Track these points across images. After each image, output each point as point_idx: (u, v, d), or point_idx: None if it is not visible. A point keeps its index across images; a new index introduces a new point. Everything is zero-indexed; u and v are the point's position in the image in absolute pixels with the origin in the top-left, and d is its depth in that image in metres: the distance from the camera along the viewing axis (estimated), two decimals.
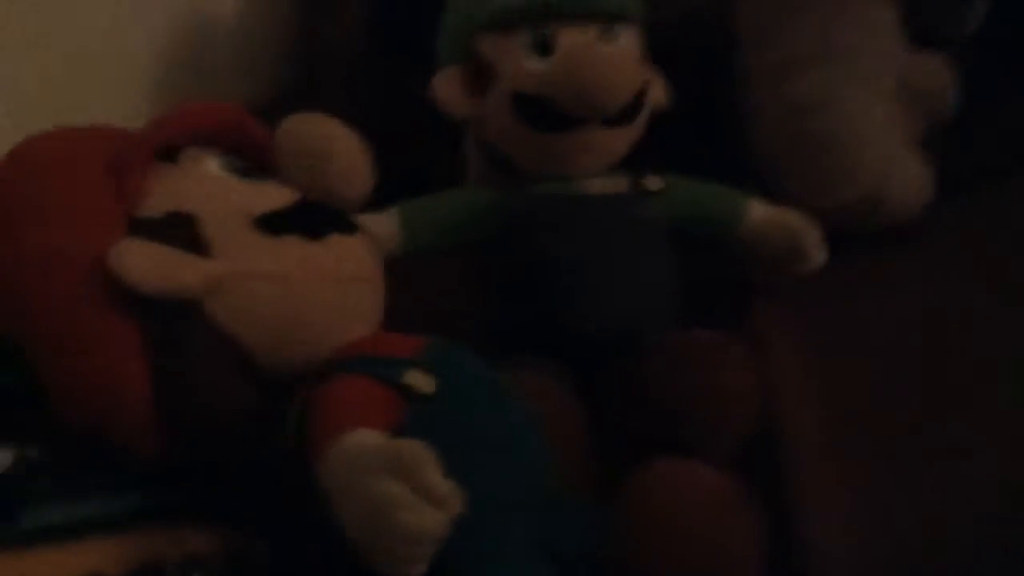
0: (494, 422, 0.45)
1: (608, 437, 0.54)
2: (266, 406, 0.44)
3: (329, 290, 0.44)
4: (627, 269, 0.59)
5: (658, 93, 0.64)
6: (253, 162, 0.48)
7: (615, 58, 0.59)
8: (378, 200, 0.52)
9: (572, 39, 0.58)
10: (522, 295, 0.59)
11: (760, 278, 0.65)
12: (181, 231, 0.42)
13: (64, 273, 0.41)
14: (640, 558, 0.45)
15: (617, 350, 0.57)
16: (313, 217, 0.45)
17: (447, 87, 0.61)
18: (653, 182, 0.62)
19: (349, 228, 0.46)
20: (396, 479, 0.36)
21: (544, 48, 0.58)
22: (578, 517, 0.47)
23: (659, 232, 0.61)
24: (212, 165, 0.46)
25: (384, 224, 0.60)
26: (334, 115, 0.48)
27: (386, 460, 0.36)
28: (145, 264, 0.41)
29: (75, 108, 0.48)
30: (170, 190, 0.44)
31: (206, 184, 0.45)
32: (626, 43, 0.60)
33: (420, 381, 0.43)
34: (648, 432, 0.53)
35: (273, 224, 0.44)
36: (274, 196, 0.45)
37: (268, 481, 0.44)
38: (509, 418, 0.46)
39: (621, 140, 0.62)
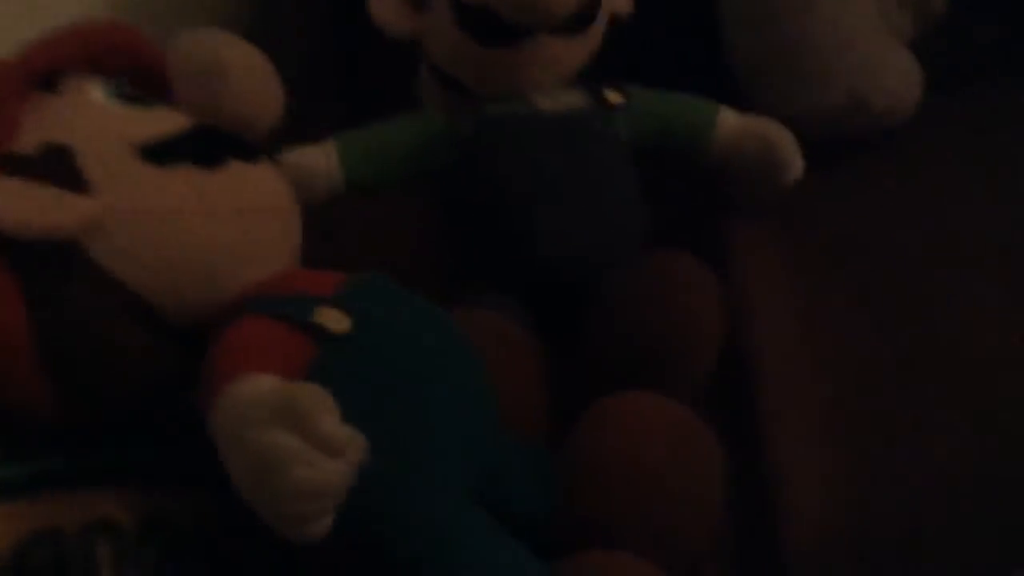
0: (424, 363, 0.40)
1: (569, 381, 0.50)
2: (183, 358, 0.40)
3: (226, 224, 0.40)
4: (587, 190, 0.54)
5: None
6: (150, 90, 0.43)
7: None
8: None
9: None
10: (475, 226, 0.55)
11: (734, 195, 0.60)
12: (55, 166, 0.38)
13: None
14: (590, 502, 0.41)
15: (577, 279, 0.53)
16: (207, 144, 0.40)
17: (383, 4, 0.56)
18: (613, 95, 0.57)
19: (249, 154, 0.41)
20: (287, 429, 0.32)
21: None
22: (525, 463, 0.43)
23: (622, 149, 0.56)
24: (96, 92, 0.41)
25: (320, 158, 0.56)
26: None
27: (275, 408, 0.32)
28: (13, 205, 0.36)
29: None
30: (46, 122, 0.39)
31: (86, 113, 0.40)
32: None
33: (332, 319, 0.39)
34: (608, 367, 0.49)
35: (160, 153, 0.39)
36: (164, 123, 0.40)
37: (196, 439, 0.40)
38: (445, 358, 0.42)
39: (575, 52, 0.56)
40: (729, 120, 0.58)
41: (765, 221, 0.59)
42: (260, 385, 0.34)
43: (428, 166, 0.57)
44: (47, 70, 0.41)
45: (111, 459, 0.43)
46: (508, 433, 0.44)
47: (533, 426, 0.47)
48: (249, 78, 0.41)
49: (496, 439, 0.43)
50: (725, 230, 0.58)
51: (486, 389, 0.43)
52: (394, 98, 0.61)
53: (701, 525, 0.41)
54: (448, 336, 0.43)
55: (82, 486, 0.41)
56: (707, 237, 0.56)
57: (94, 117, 0.40)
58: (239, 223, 0.40)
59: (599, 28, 0.57)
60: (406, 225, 0.58)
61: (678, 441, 0.41)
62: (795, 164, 0.57)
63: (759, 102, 0.61)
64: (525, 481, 0.42)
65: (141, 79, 0.43)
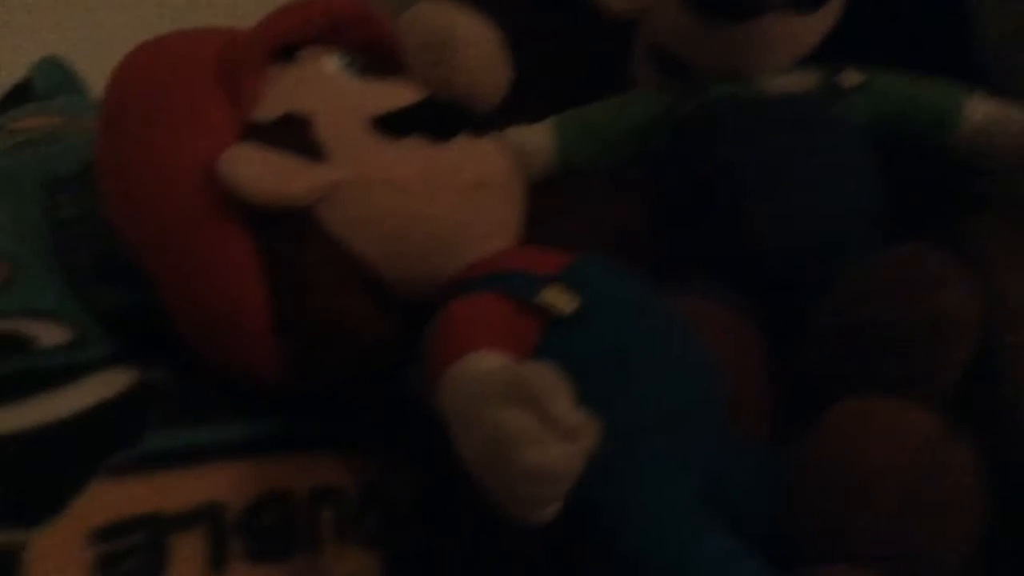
0: (651, 349, 0.38)
1: (794, 379, 0.47)
2: (406, 330, 0.40)
3: (453, 198, 0.39)
4: (816, 178, 0.50)
5: None
6: (380, 61, 0.43)
7: None
8: None
9: None
10: (691, 213, 0.52)
11: (987, 190, 0.54)
12: (294, 135, 0.38)
13: (175, 182, 0.38)
14: (824, 511, 0.38)
15: (802, 273, 0.50)
16: (438, 117, 0.40)
17: None
18: (850, 77, 0.53)
19: (479, 128, 0.41)
20: (520, 408, 0.30)
21: None
22: (751, 464, 0.41)
23: (857, 135, 0.52)
24: (331, 64, 0.41)
25: (537, 136, 0.55)
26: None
27: (508, 386, 0.31)
28: (254, 171, 0.37)
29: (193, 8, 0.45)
30: (284, 92, 0.40)
31: (322, 84, 0.40)
32: None
33: (559, 299, 0.37)
34: (843, 369, 0.45)
35: (393, 125, 0.39)
36: (397, 96, 0.40)
37: (415, 412, 0.40)
38: (672, 347, 0.40)
39: (808, 30, 0.53)
40: (980, 107, 0.53)
41: (1014, 213, 0.53)
42: (492, 362, 0.33)
43: (641, 148, 0.55)
44: (284, 41, 0.41)
45: (336, 427, 0.43)
46: (733, 430, 0.42)
47: (758, 425, 0.44)
48: (480, 51, 0.40)
49: (721, 437, 0.40)
50: (977, 230, 0.53)
51: (715, 382, 0.40)
52: (602, 81, 0.59)
53: (950, 544, 0.37)
54: (675, 328, 0.41)
55: (308, 451, 0.41)
56: (955, 236, 0.51)
57: (330, 88, 0.40)
58: (466, 197, 0.40)
59: (836, 5, 0.53)
60: (617, 208, 0.56)
61: (926, 451, 0.37)
62: None
63: (1009, 83, 0.55)
64: (751, 483, 0.40)
65: (372, 52, 0.43)
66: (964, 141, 0.53)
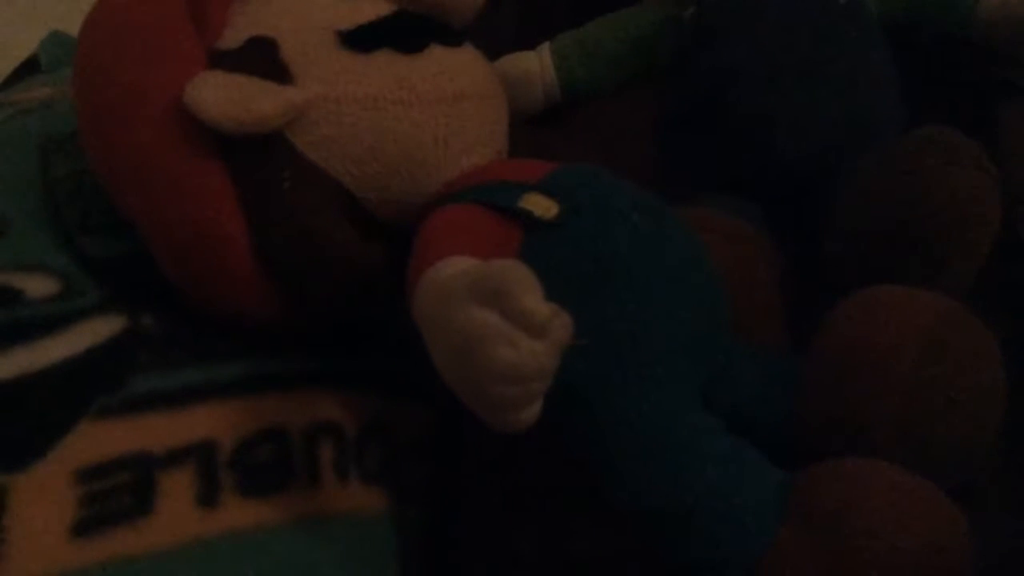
0: (641, 252, 0.37)
1: (810, 284, 0.44)
2: (399, 257, 0.39)
3: (430, 111, 0.38)
4: (830, 74, 0.48)
5: None
6: None
7: None
8: None
9: None
10: (705, 123, 0.50)
11: (1007, 76, 0.51)
12: (260, 58, 0.37)
13: (146, 116, 0.37)
14: (835, 401, 0.35)
15: (819, 175, 0.47)
16: (409, 30, 0.39)
17: None
18: None
19: (453, 39, 0.39)
20: (487, 307, 0.29)
21: None
22: (757, 366, 0.39)
23: (871, 25, 0.49)
24: None
25: (534, 62, 0.53)
26: None
27: (473, 284, 0.30)
28: (221, 97, 0.36)
29: None
30: (250, 17, 0.39)
31: (290, 5, 0.39)
32: None
33: (540, 205, 0.36)
34: (861, 266, 0.42)
35: (361, 40, 0.38)
36: (367, 10, 0.39)
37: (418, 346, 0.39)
38: (665, 249, 0.38)
39: None
40: None
41: None
42: (460, 265, 0.32)
43: (649, 63, 0.53)
44: None
45: (336, 365, 0.42)
46: (739, 337, 0.40)
47: (767, 331, 0.42)
48: None
49: (724, 339, 0.38)
50: (998, 118, 0.50)
51: (713, 286, 0.38)
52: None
53: (969, 429, 0.34)
54: (671, 229, 0.39)
55: (306, 389, 0.41)
56: (974, 125, 0.48)
57: (296, 9, 0.39)
58: (443, 111, 0.38)
59: None
60: (623, 125, 0.54)
61: (939, 330, 0.35)
62: None
63: None
64: (757, 385, 0.38)
65: None
66: (983, 26, 0.49)
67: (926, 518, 0.31)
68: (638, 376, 0.34)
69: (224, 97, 0.36)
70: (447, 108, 0.38)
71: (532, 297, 0.29)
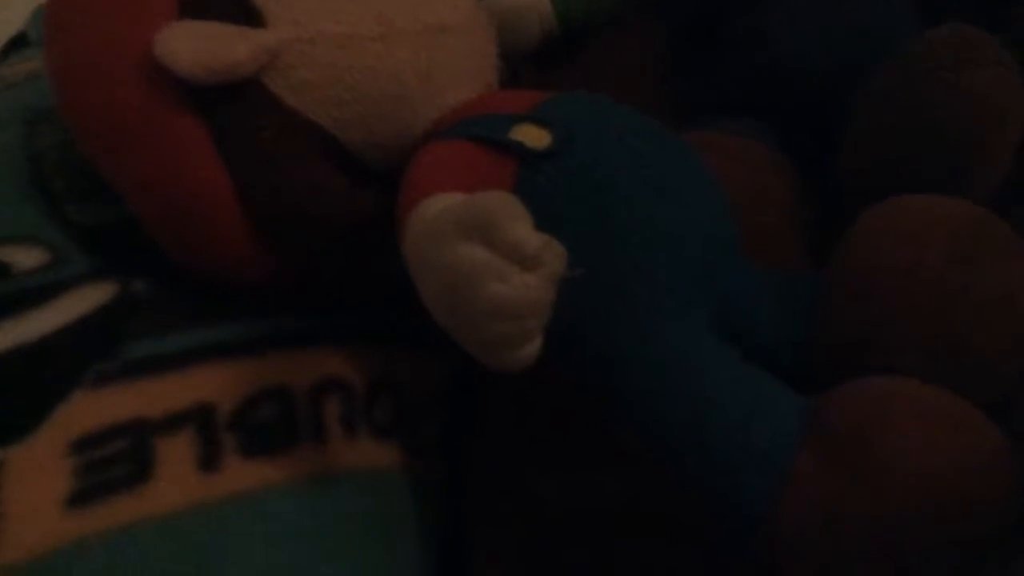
0: (643, 179, 0.35)
1: (830, 206, 0.42)
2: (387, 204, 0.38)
3: (411, 46, 0.36)
4: None
5: None
6: None
7: None
8: None
9: None
10: (711, 45, 0.48)
11: None
12: (229, 3, 0.36)
13: (119, 73, 0.36)
14: (856, 319, 0.33)
15: (829, 91, 0.45)
16: None
17: None
18: None
19: None
20: (475, 241, 0.27)
21: None
22: (773, 290, 0.37)
23: None
24: None
25: None
26: None
27: (459, 219, 0.28)
28: (191, 45, 0.35)
29: None
30: None
31: None
32: None
33: (532, 135, 0.34)
34: (879, 175, 0.40)
35: None
36: None
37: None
38: (669, 175, 0.36)
39: None
40: None
41: None
42: (446, 202, 0.30)
43: None
44: None
45: (340, 321, 0.41)
46: (754, 261, 0.38)
47: (784, 253, 0.40)
48: None
49: (736, 264, 0.36)
50: (1015, 16, 0.47)
51: (721, 209, 0.36)
52: None
53: (1007, 343, 0.32)
54: (673, 152, 0.37)
55: (309, 346, 0.39)
56: (992, 24, 0.45)
57: None
58: (424, 43, 0.36)
59: None
60: (630, 61, 0.52)
61: (974, 241, 0.33)
62: None
63: None
64: (774, 309, 0.36)
65: None
66: None
67: (958, 437, 0.29)
68: (645, 308, 0.33)
69: (194, 46, 0.34)
70: (429, 41, 0.36)
71: (521, 227, 0.27)
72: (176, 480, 0.33)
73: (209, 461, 0.34)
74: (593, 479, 0.38)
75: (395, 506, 0.39)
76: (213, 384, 0.36)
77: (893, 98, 0.39)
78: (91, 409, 0.34)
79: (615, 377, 0.33)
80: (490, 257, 0.27)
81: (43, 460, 0.32)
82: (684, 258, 0.34)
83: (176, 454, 0.34)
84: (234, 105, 0.35)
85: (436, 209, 0.30)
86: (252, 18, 0.35)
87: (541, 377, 0.36)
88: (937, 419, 0.29)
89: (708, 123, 0.45)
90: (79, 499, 0.32)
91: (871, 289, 0.33)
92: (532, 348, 0.28)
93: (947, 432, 0.29)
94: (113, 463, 0.33)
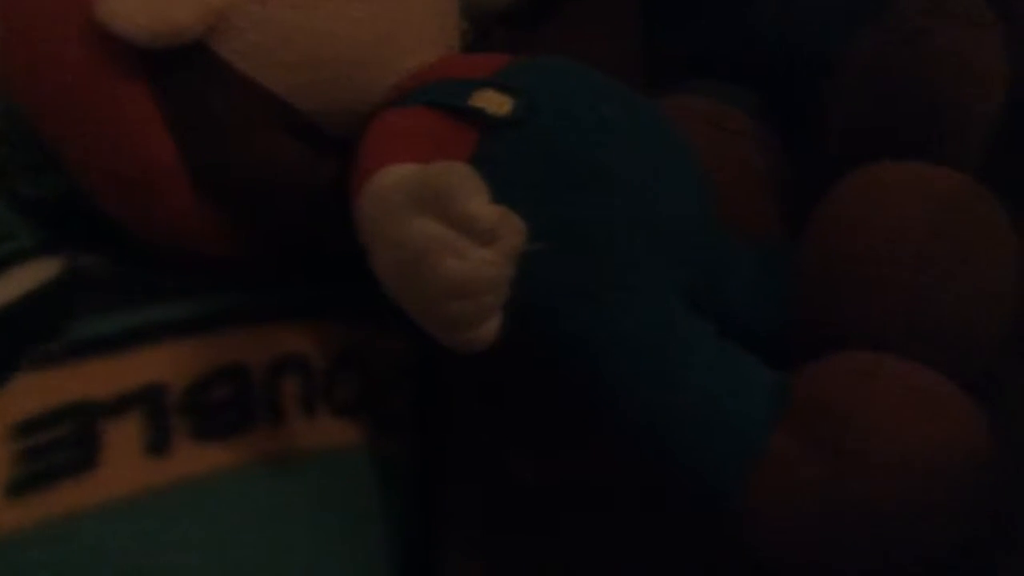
0: (612, 148, 0.33)
1: (812, 173, 0.41)
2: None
3: (367, 7, 0.34)
4: None
5: None
6: None
7: None
8: None
9: None
10: (692, 8, 0.46)
11: None
12: None
13: (63, 39, 0.34)
14: (837, 287, 0.32)
15: (809, 54, 0.43)
16: None
17: None
18: None
19: None
20: (430, 215, 0.26)
21: None
22: (752, 263, 0.35)
23: None
24: None
25: None
26: None
27: (413, 192, 0.26)
28: (133, 8, 0.33)
29: None
30: None
31: None
32: None
33: (494, 101, 0.32)
34: (861, 141, 0.38)
35: None
36: None
37: None
38: (640, 142, 0.34)
39: None
40: None
41: None
42: (400, 173, 0.29)
43: None
44: None
45: (300, 296, 0.40)
46: (732, 233, 0.36)
47: (763, 222, 0.38)
48: None
49: (712, 237, 0.35)
50: None
51: (695, 179, 0.35)
52: None
53: (989, 314, 0.31)
54: (646, 119, 0.35)
55: (268, 323, 0.38)
56: None
57: None
58: (381, 4, 0.34)
59: None
60: (606, 21, 0.50)
61: (955, 209, 0.31)
62: None
63: None
64: (751, 283, 0.35)
65: None
66: None
67: (938, 415, 0.28)
68: (616, 282, 0.31)
69: (137, 8, 0.33)
70: (386, 2, 0.34)
71: (477, 200, 0.26)
72: (123, 465, 0.32)
73: (158, 445, 0.33)
74: (568, 458, 0.37)
75: (358, 485, 0.38)
76: (164, 364, 0.35)
77: (876, 62, 0.37)
78: (34, 392, 0.33)
79: (585, 354, 0.31)
80: (444, 232, 0.26)
81: None
82: (656, 230, 0.32)
83: (123, 438, 0.33)
84: (182, 72, 0.34)
85: (389, 181, 0.28)
86: None
87: (511, 354, 0.35)
88: (916, 397, 0.28)
89: (686, 84, 0.44)
90: (21, 487, 0.31)
91: (850, 263, 0.32)
92: (490, 326, 0.27)
93: (926, 410, 0.28)
94: (57, 448, 0.32)
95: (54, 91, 0.35)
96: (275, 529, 0.34)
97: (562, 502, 0.38)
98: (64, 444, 0.32)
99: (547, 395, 0.35)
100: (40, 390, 0.33)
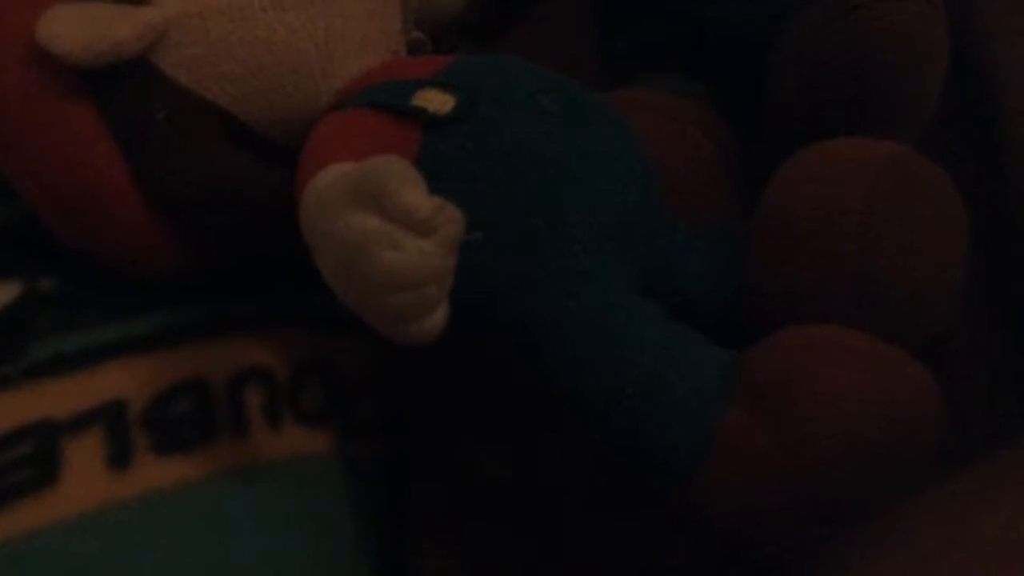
0: (557, 141, 0.33)
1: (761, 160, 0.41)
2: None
3: (305, 14, 0.34)
4: None
5: None
6: None
7: None
8: None
9: None
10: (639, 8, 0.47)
11: None
12: None
13: (4, 62, 0.34)
14: (782, 268, 0.32)
15: (757, 40, 0.43)
16: None
17: None
18: None
19: None
20: (366, 210, 0.26)
21: None
22: (704, 248, 0.35)
23: None
24: None
25: None
26: None
27: (348, 188, 0.27)
28: (73, 27, 0.33)
29: None
30: None
31: None
32: None
33: (436, 100, 0.33)
34: (804, 121, 0.39)
35: None
36: None
37: None
38: (585, 135, 0.34)
39: None
40: None
41: None
42: (340, 171, 0.29)
43: None
44: None
45: (261, 306, 0.40)
46: (683, 220, 0.37)
47: (716, 210, 0.39)
48: None
49: (661, 224, 0.35)
50: None
51: (641, 168, 0.35)
52: None
53: (932, 287, 0.31)
54: (587, 110, 0.35)
55: (228, 335, 0.38)
56: None
57: None
58: (319, 11, 0.35)
59: None
60: (555, 21, 0.51)
61: (897, 179, 0.31)
62: None
63: None
64: (703, 267, 0.35)
65: None
66: None
67: (883, 381, 0.28)
68: (562, 271, 0.31)
69: (77, 28, 0.33)
70: (324, 8, 0.35)
71: (412, 191, 0.26)
72: (85, 482, 0.32)
73: (119, 460, 0.33)
74: (535, 453, 0.37)
75: (328, 493, 0.38)
76: (124, 381, 0.35)
77: (816, 41, 0.37)
78: None
79: (536, 342, 0.31)
80: (382, 224, 0.26)
81: None
82: (602, 220, 0.33)
83: (84, 455, 0.33)
84: (126, 88, 0.34)
85: (328, 180, 0.29)
86: None
87: (465, 347, 0.35)
88: (859, 363, 0.28)
89: (639, 79, 0.44)
90: None
91: (793, 236, 0.32)
92: (436, 319, 0.27)
93: (870, 376, 0.28)
94: (17, 468, 0.32)
95: None
96: (243, 539, 0.34)
97: (532, 499, 0.38)
98: (24, 463, 0.32)
99: (511, 388, 0.36)
100: (0, 412, 0.33)
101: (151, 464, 0.33)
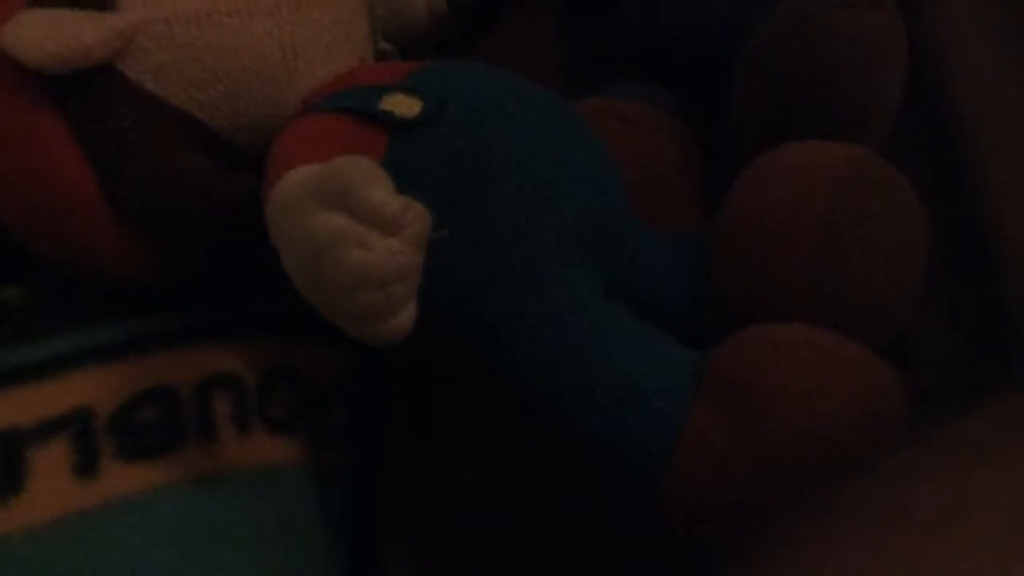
0: (523, 144, 0.34)
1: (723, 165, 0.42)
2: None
3: (271, 20, 0.35)
4: None
5: None
6: None
7: None
8: None
9: None
10: (602, 14, 0.47)
11: None
12: None
13: None
14: (747, 269, 0.33)
15: (715, 50, 0.44)
16: None
17: None
18: None
19: None
20: (332, 210, 0.26)
21: None
22: (669, 251, 0.36)
23: None
24: None
25: None
26: None
27: (315, 188, 0.27)
28: (38, 35, 0.33)
29: None
30: None
31: None
32: None
33: (402, 104, 0.33)
34: (766, 127, 0.39)
35: None
36: None
37: None
38: (546, 139, 0.35)
39: None
40: None
41: None
42: (306, 172, 0.29)
43: None
44: None
45: (230, 313, 0.39)
46: (648, 224, 0.37)
47: (683, 216, 0.39)
48: None
49: (628, 227, 0.36)
50: None
51: (607, 173, 0.36)
52: None
53: (892, 286, 0.32)
54: (556, 116, 0.36)
55: (197, 342, 0.38)
56: None
57: None
58: (286, 17, 0.35)
59: None
60: (517, 28, 0.51)
61: (856, 181, 0.32)
62: None
63: None
64: (670, 270, 0.35)
65: None
66: None
67: (843, 376, 0.29)
68: (529, 272, 0.32)
69: (42, 35, 0.33)
70: (290, 15, 0.35)
71: (379, 190, 0.26)
72: (50, 490, 0.32)
73: (86, 467, 0.33)
74: (507, 459, 0.38)
75: (297, 501, 0.37)
76: (91, 388, 0.35)
77: (777, 48, 0.38)
78: None
79: (504, 342, 0.32)
80: (348, 223, 0.26)
81: None
82: (569, 223, 0.33)
83: (50, 462, 0.32)
84: (92, 95, 0.34)
85: (295, 181, 0.29)
86: (104, 3, 0.34)
87: (436, 351, 0.35)
88: (822, 360, 0.29)
89: (604, 87, 0.45)
90: None
91: (757, 238, 0.32)
92: (404, 318, 0.27)
93: (830, 373, 0.29)
94: None
95: None
96: (212, 545, 0.34)
97: (510, 507, 0.38)
98: None
99: (481, 394, 0.36)
100: None
101: (118, 471, 0.33)
